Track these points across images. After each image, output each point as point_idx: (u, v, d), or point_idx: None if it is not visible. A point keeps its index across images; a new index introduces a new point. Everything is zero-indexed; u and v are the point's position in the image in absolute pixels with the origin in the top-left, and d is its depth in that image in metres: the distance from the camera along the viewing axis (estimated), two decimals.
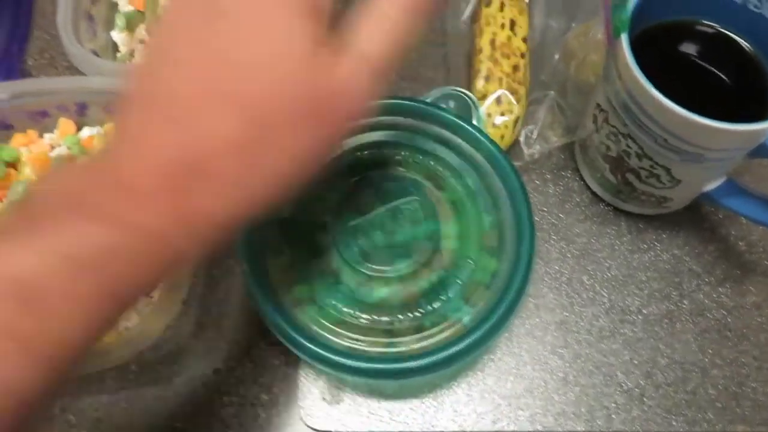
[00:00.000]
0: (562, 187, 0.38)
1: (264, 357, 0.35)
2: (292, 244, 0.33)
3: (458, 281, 0.32)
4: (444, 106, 0.35)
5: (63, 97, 0.37)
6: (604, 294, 0.36)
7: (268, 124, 0.19)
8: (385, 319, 0.31)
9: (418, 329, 0.31)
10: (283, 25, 0.19)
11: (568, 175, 0.38)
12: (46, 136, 0.38)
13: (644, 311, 0.35)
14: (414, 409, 0.34)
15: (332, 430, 0.33)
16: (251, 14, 0.19)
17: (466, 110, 0.35)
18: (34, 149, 0.37)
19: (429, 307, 0.31)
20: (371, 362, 0.30)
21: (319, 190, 0.33)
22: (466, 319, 0.31)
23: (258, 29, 0.19)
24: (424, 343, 0.30)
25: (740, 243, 0.37)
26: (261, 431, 0.33)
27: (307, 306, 0.31)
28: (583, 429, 0.33)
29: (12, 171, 0.36)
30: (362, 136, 0.34)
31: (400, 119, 0.35)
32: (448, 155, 0.34)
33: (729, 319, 0.35)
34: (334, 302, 0.32)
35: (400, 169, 0.34)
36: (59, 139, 0.38)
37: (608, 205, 0.37)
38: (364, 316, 0.31)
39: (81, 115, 0.38)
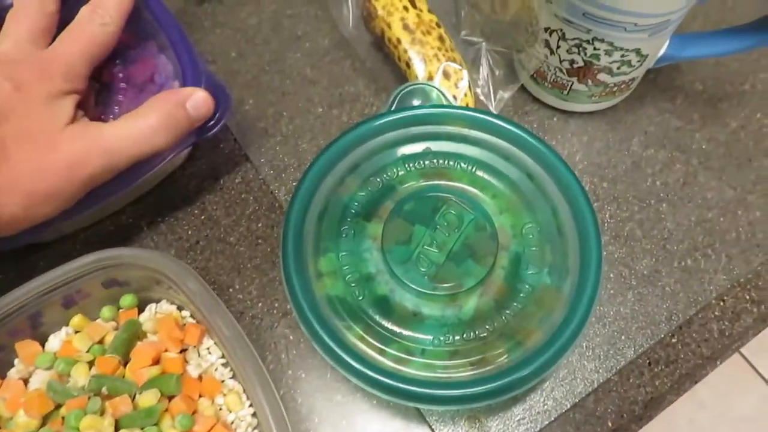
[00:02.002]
0: (535, 120, 0.38)
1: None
2: (354, 316, 0.30)
3: (528, 253, 0.31)
4: (412, 104, 0.34)
5: (8, 320, 0.30)
6: (629, 188, 0.36)
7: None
8: (491, 326, 0.30)
9: (526, 318, 0.30)
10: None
11: (533, 107, 0.39)
12: (11, 372, 0.31)
13: (669, 181, 0.37)
14: (554, 388, 0.32)
15: None
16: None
17: (426, 99, 0.34)
18: (8, 395, 0.30)
19: (522, 294, 0.30)
20: (506, 375, 0.28)
21: (351, 248, 0.31)
22: (547, 279, 0.31)
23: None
24: (541, 331, 0.29)
25: (696, 84, 0.39)
26: None
27: (409, 360, 0.29)
28: (694, 309, 0.34)
29: None
30: (351, 179, 0.32)
31: (375, 141, 0.33)
32: (439, 146, 0.33)
33: (730, 149, 0.38)
34: (434, 340, 0.29)
35: (407, 185, 0.32)
36: (27, 367, 0.31)
37: (582, 114, 0.38)
38: (470, 335, 0.29)
39: (36, 326, 0.32)
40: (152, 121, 0.30)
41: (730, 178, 0.37)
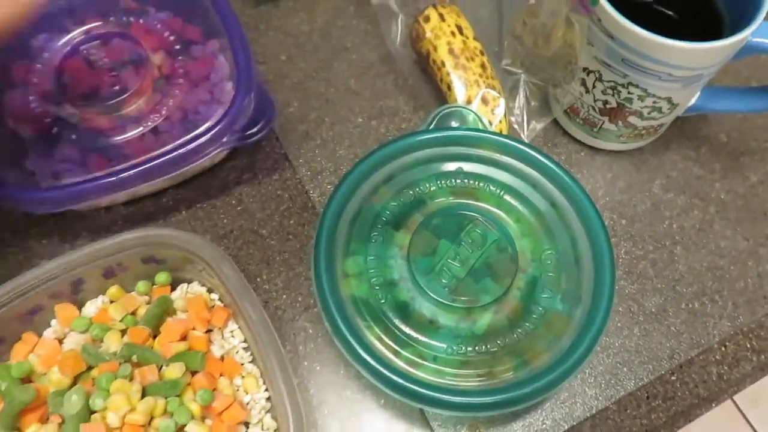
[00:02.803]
0: (563, 153, 0.40)
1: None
2: (375, 318, 0.32)
3: (545, 277, 0.33)
4: (450, 125, 0.36)
5: (52, 283, 0.32)
6: (646, 228, 0.38)
7: None
8: (502, 342, 0.31)
9: (535, 339, 0.31)
10: None
11: (563, 140, 0.40)
12: (47, 332, 0.33)
13: (685, 225, 0.38)
14: (555, 408, 0.34)
15: None
16: None
17: (463, 122, 0.36)
18: (43, 352, 0.32)
19: (534, 315, 0.32)
20: (512, 390, 0.29)
21: (378, 253, 0.33)
22: (559, 306, 0.32)
23: None
24: (548, 353, 0.31)
25: (721, 135, 0.41)
26: None
27: (422, 365, 0.31)
28: (696, 351, 0.35)
29: (40, 386, 0.31)
30: (385, 188, 0.34)
31: (413, 156, 0.35)
32: (472, 167, 0.35)
33: (748, 202, 0.39)
34: (447, 348, 0.31)
35: (437, 200, 0.34)
36: (63, 329, 0.33)
37: (609, 152, 0.40)
38: (482, 348, 0.31)
39: (76, 292, 0.34)
40: None
41: (744, 230, 0.38)
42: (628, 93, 0.34)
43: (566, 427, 0.33)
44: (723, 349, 0.35)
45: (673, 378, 0.35)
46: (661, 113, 0.35)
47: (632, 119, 0.36)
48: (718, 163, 0.40)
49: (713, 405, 0.35)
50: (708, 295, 0.36)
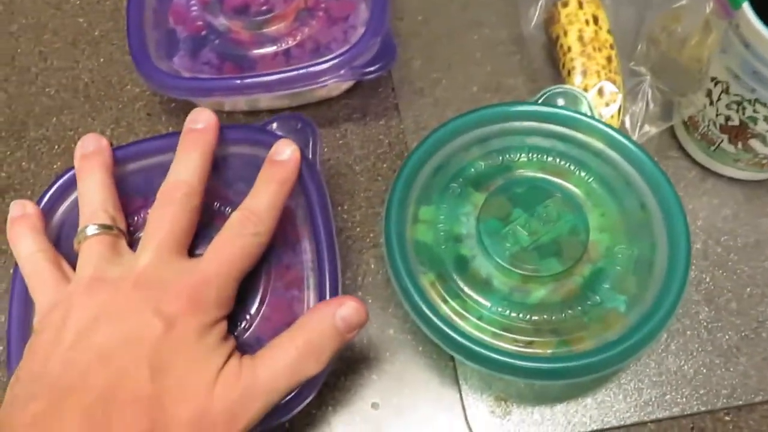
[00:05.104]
0: (672, 168, 0.38)
1: (417, 381, 0.34)
2: (432, 264, 0.32)
3: (611, 271, 0.32)
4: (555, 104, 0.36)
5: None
6: (743, 262, 0.36)
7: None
8: (549, 318, 0.31)
9: (582, 326, 0.31)
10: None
11: (675, 154, 0.39)
12: None
13: None
14: (587, 406, 0.33)
15: None
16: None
17: (574, 106, 0.36)
18: None
19: (589, 302, 0.31)
20: (548, 362, 0.29)
21: (453, 206, 0.34)
22: (622, 307, 0.31)
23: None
24: (592, 341, 0.30)
25: None
26: None
27: (466, 318, 0.31)
28: (762, 398, 0.32)
29: None
30: (477, 148, 0.35)
31: (512, 124, 0.35)
32: (568, 149, 0.35)
33: None
34: (493, 308, 0.31)
35: (523, 171, 0.34)
36: None
37: (721, 177, 0.38)
38: (527, 317, 0.31)
39: None
40: (301, 348, 0.27)
41: None
42: (754, 111, 0.32)
43: (593, 428, 0.32)
44: None
45: (727, 418, 0.32)
46: None
47: (753, 143, 0.34)
48: None
49: None
50: None
